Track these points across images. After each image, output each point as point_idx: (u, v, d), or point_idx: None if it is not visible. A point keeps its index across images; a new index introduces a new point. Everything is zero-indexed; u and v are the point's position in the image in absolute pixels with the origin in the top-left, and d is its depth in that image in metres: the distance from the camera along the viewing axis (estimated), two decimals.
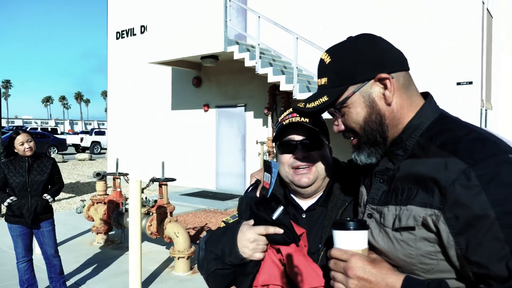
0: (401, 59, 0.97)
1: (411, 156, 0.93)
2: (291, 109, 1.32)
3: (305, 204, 1.31)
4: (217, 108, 10.76)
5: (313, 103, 0.99)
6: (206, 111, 10.96)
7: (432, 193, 0.84)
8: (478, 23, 6.92)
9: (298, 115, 1.29)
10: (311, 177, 1.26)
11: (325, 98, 0.97)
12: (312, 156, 1.27)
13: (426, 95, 1.01)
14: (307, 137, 1.27)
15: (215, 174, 10.83)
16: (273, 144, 1.38)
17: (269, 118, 9.34)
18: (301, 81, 7.75)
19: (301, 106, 1.02)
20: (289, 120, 1.28)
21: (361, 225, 0.92)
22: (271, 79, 7.89)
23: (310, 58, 8.06)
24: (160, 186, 4.79)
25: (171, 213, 4.78)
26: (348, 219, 0.95)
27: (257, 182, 1.45)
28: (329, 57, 0.99)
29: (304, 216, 1.29)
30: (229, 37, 8.55)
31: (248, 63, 8.20)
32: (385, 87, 0.93)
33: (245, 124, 10.21)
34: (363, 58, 0.94)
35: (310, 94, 7.31)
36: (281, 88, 7.79)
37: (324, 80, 0.99)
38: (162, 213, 4.70)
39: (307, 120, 1.27)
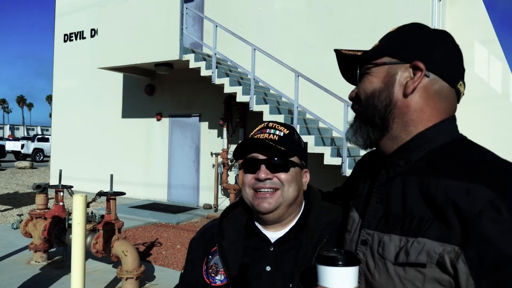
0: (454, 72, 0.86)
1: (415, 172, 0.80)
2: (263, 125, 1.18)
3: (272, 235, 1.14)
4: (170, 117, 10.44)
5: (347, 51, 0.92)
6: (158, 120, 10.60)
7: (451, 225, 0.72)
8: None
9: (268, 132, 1.14)
10: (272, 202, 1.09)
11: (358, 53, 0.90)
12: (277, 179, 1.11)
13: None
14: (273, 157, 1.12)
15: (167, 185, 10.46)
16: (236, 161, 1.21)
17: (224, 129, 9.18)
18: (258, 93, 7.68)
19: (340, 49, 0.95)
20: (257, 137, 1.14)
21: (352, 260, 0.77)
22: (228, 89, 7.76)
23: (267, 69, 8.04)
24: (108, 200, 4.46)
25: (119, 229, 4.46)
26: (336, 250, 0.80)
27: None
28: (397, 27, 0.92)
29: (272, 249, 1.12)
30: (185, 45, 8.34)
31: (204, 73, 8.02)
32: (413, 77, 0.84)
33: (199, 134, 9.97)
34: (418, 40, 0.86)
35: (267, 106, 7.26)
36: (238, 99, 7.67)
37: (377, 44, 0.93)
38: (110, 230, 4.37)
39: (276, 138, 1.12)
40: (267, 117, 7.22)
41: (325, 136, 7.38)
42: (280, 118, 7.11)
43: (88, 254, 4.73)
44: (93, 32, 11.72)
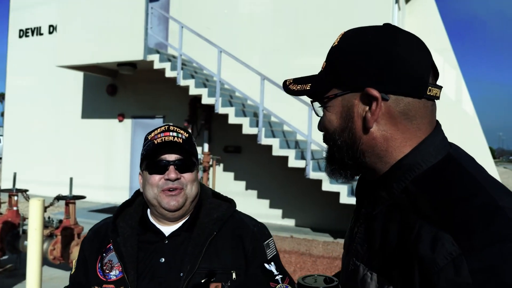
0: (417, 82, 0.70)
1: (398, 207, 0.70)
2: (163, 127, 1.25)
3: (167, 229, 1.24)
4: (133, 118, 10.20)
5: (297, 85, 0.79)
6: (121, 121, 10.33)
7: (414, 278, 0.63)
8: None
9: (171, 135, 1.21)
10: (180, 200, 1.20)
11: (307, 87, 0.78)
12: (184, 178, 1.21)
13: None
14: (180, 158, 1.21)
15: (129, 188, 10.19)
16: (140, 164, 1.28)
17: (189, 131, 9.08)
18: (223, 95, 7.66)
19: (288, 82, 0.82)
20: (162, 139, 1.20)
21: None
22: (193, 91, 7.69)
23: (233, 72, 8.04)
24: (67, 204, 4.30)
25: (78, 234, 4.30)
26: (317, 277, 0.83)
27: None
28: (339, 39, 0.76)
29: (166, 242, 1.21)
30: (149, 45, 8.18)
31: (169, 74, 7.90)
32: (370, 107, 0.71)
33: None
34: (363, 58, 0.71)
35: (232, 108, 7.26)
36: (203, 102, 7.62)
37: (324, 65, 0.78)
38: (68, 235, 4.20)
39: (181, 140, 1.21)
40: (232, 119, 7.22)
41: (290, 139, 7.47)
42: (246, 121, 7.13)
43: (44, 261, 4.53)
44: (51, 28, 11.26)
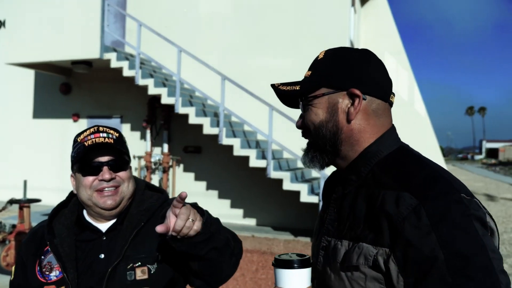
0: (385, 89, 0.95)
1: (364, 185, 0.91)
2: (92, 129, 1.26)
3: (103, 226, 1.27)
4: (88, 118, 9.86)
5: (285, 87, 0.99)
6: (75, 121, 9.96)
7: (383, 229, 0.82)
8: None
9: (102, 136, 1.22)
10: (117, 199, 1.23)
11: (296, 88, 0.98)
12: (119, 177, 1.24)
13: None
14: (112, 158, 1.23)
15: None
16: (73, 166, 1.29)
17: (148, 131, 8.93)
18: (184, 95, 7.60)
19: (277, 85, 1.02)
20: (93, 141, 1.21)
21: (305, 263, 0.87)
22: (152, 91, 7.56)
23: (192, 72, 8.00)
24: (21, 208, 4.11)
25: None
26: (290, 254, 0.91)
27: None
28: (323, 54, 0.99)
29: (104, 239, 1.24)
30: (106, 43, 7.96)
31: (127, 73, 7.73)
32: (353, 104, 0.92)
33: None
34: (348, 68, 0.93)
35: (192, 108, 7.21)
36: (163, 101, 7.52)
37: (308, 73, 0.99)
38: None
39: (112, 140, 1.23)
40: (193, 119, 7.18)
41: (250, 139, 7.52)
42: (206, 121, 7.11)
43: None
44: None
